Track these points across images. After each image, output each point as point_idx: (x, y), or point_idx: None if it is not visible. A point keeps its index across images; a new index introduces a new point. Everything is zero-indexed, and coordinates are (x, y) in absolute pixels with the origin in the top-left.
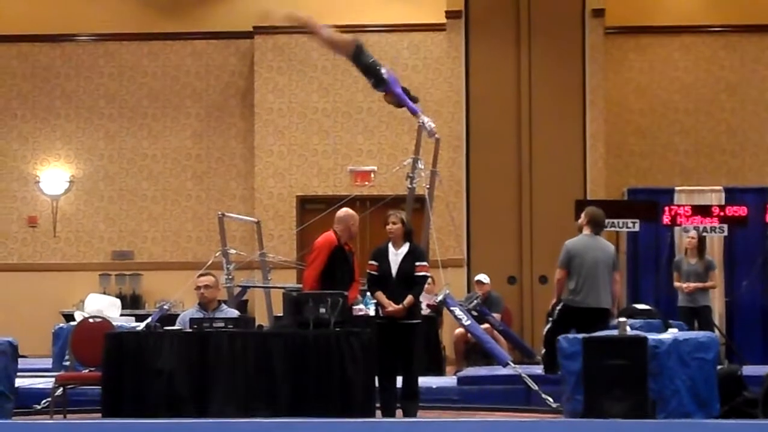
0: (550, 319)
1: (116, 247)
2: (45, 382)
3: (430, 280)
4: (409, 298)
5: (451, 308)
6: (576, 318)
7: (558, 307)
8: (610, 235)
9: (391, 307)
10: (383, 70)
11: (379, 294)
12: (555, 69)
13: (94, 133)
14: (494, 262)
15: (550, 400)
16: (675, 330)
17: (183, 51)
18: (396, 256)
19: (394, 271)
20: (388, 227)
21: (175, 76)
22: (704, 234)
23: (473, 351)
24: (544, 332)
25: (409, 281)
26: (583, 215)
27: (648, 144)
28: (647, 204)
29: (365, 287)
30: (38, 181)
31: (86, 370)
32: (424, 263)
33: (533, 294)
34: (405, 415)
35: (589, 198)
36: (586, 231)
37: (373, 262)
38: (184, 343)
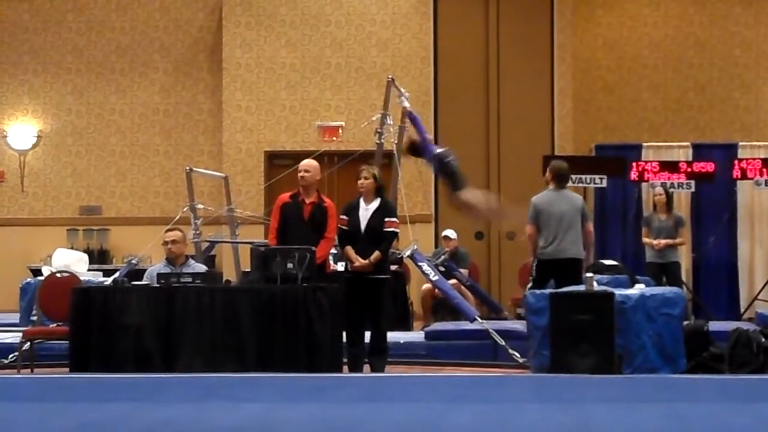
0: (531, 277)
1: (84, 202)
2: (12, 337)
3: None
4: (376, 253)
5: (419, 264)
6: (550, 270)
7: (534, 264)
8: (578, 190)
9: (358, 262)
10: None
11: (348, 249)
12: (523, 25)
13: (61, 88)
14: (462, 218)
15: (517, 355)
16: (642, 286)
17: (151, 6)
18: (366, 211)
19: (363, 226)
20: (359, 182)
21: (143, 30)
22: (671, 190)
23: (441, 306)
24: (526, 290)
25: (377, 236)
26: (547, 170)
27: (616, 100)
28: (615, 160)
29: None
30: (5, 136)
31: (53, 325)
32: (394, 219)
33: (500, 249)
34: (373, 370)
35: (557, 154)
36: (552, 186)
37: (343, 217)
38: (152, 298)
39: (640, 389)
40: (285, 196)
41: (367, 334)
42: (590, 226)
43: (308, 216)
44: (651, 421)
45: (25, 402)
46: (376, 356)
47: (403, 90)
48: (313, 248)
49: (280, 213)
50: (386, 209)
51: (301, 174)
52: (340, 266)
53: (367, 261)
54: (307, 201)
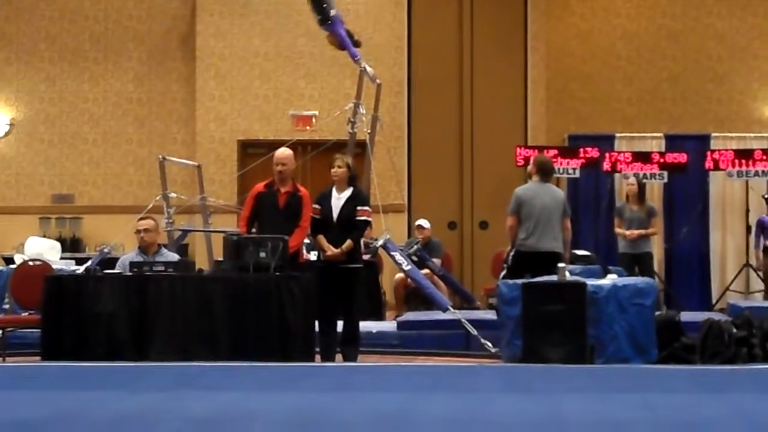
0: (505, 265)
1: (56, 190)
2: None
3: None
4: (348, 242)
5: (392, 253)
6: (528, 262)
7: (511, 254)
8: (551, 181)
9: (330, 251)
10: (332, 10)
11: (320, 238)
12: (497, 14)
13: (34, 76)
14: (435, 208)
15: (489, 345)
16: (614, 276)
17: None
18: (338, 200)
19: (335, 215)
20: (333, 170)
21: (117, 19)
22: (644, 181)
23: (413, 296)
24: (500, 279)
25: (350, 225)
26: (531, 163)
27: (589, 90)
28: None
29: None
30: None
31: (25, 313)
32: (366, 208)
33: (473, 239)
34: (345, 359)
35: (529, 144)
36: (535, 178)
37: (316, 206)
38: (124, 287)
39: (611, 379)
40: (260, 186)
41: (340, 323)
42: (568, 222)
43: (283, 205)
44: (622, 412)
45: None
46: (348, 345)
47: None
48: (286, 237)
49: (255, 202)
50: (359, 198)
51: (279, 169)
52: (313, 255)
53: (339, 250)
54: (282, 190)
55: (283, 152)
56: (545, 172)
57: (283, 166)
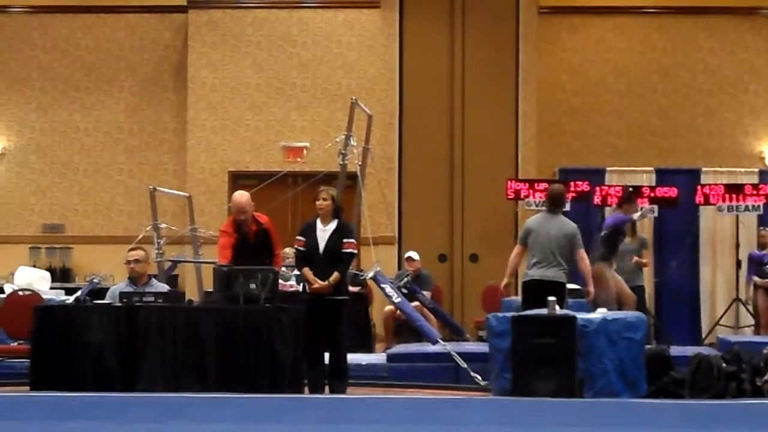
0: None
1: (47, 220)
2: None
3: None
4: (335, 274)
5: (382, 285)
6: (532, 292)
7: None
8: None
9: (317, 283)
10: None
11: (306, 270)
12: (488, 48)
13: (26, 106)
14: (425, 240)
15: (479, 378)
16: (604, 310)
17: (116, 24)
18: (324, 232)
19: (321, 247)
20: (318, 203)
21: (109, 49)
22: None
23: (403, 328)
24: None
25: (335, 258)
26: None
27: (580, 124)
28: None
29: (288, 263)
30: None
31: (15, 343)
32: (352, 240)
33: (464, 272)
34: (332, 392)
35: (520, 177)
36: (545, 209)
37: (300, 238)
38: (114, 317)
39: (601, 413)
40: (231, 232)
41: (327, 355)
42: (583, 253)
43: (254, 242)
44: None
45: None
46: (336, 378)
47: (367, 110)
48: (275, 269)
49: (233, 251)
50: (344, 230)
51: (241, 218)
52: (290, 284)
53: (326, 282)
54: (249, 230)
55: (242, 197)
56: (553, 202)
57: (244, 214)
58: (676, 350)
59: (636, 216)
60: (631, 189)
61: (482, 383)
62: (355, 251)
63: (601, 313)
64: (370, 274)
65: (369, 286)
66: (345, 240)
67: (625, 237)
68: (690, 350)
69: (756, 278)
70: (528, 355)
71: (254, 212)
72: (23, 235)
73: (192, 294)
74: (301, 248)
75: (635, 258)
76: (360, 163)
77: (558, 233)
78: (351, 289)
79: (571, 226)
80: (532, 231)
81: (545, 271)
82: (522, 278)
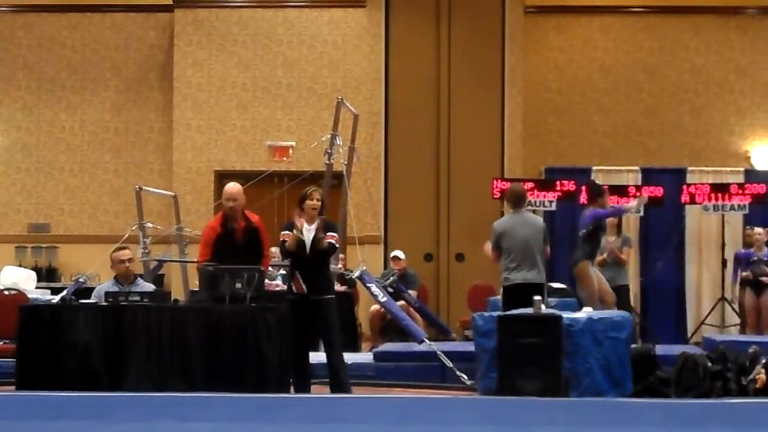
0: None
1: (32, 219)
2: None
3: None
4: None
5: (368, 285)
6: (515, 295)
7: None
8: None
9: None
10: None
11: (296, 279)
12: (474, 47)
13: (11, 105)
14: (411, 239)
15: (465, 377)
16: (589, 309)
17: (102, 23)
18: (309, 231)
19: (308, 246)
20: (311, 203)
21: (95, 48)
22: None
23: (389, 327)
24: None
25: (322, 254)
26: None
27: (566, 123)
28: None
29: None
30: None
31: (0, 343)
32: (335, 234)
33: (449, 271)
34: (342, 390)
35: (506, 176)
36: (509, 209)
37: (286, 232)
38: (100, 317)
39: (586, 412)
40: (215, 224)
41: (313, 355)
42: (548, 249)
43: (242, 241)
44: None
45: None
46: (337, 386)
47: (353, 109)
48: (262, 268)
49: (214, 245)
50: (328, 226)
51: (230, 205)
52: (276, 283)
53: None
54: (237, 226)
55: (233, 187)
56: (516, 200)
57: (234, 201)
58: (661, 349)
59: (633, 206)
60: (595, 181)
61: (468, 382)
62: (337, 244)
63: (586, 312)
64: (356, 274)
65: (355, 286)
66: (328, 233)
67: (605, 232)
68: (676, 349)
69: (745, 274)
70: (514, 354)
71: (245, 211)
72: (9, 235)
73: (178, 293)
74: (286, 242)
75: (611, 248)
76: (346, 162)
77: (532, 232)
78: (338, 288)
79: (539, 220)
80: (505, 233)
81: (526, 274)
82: (502, 283)
